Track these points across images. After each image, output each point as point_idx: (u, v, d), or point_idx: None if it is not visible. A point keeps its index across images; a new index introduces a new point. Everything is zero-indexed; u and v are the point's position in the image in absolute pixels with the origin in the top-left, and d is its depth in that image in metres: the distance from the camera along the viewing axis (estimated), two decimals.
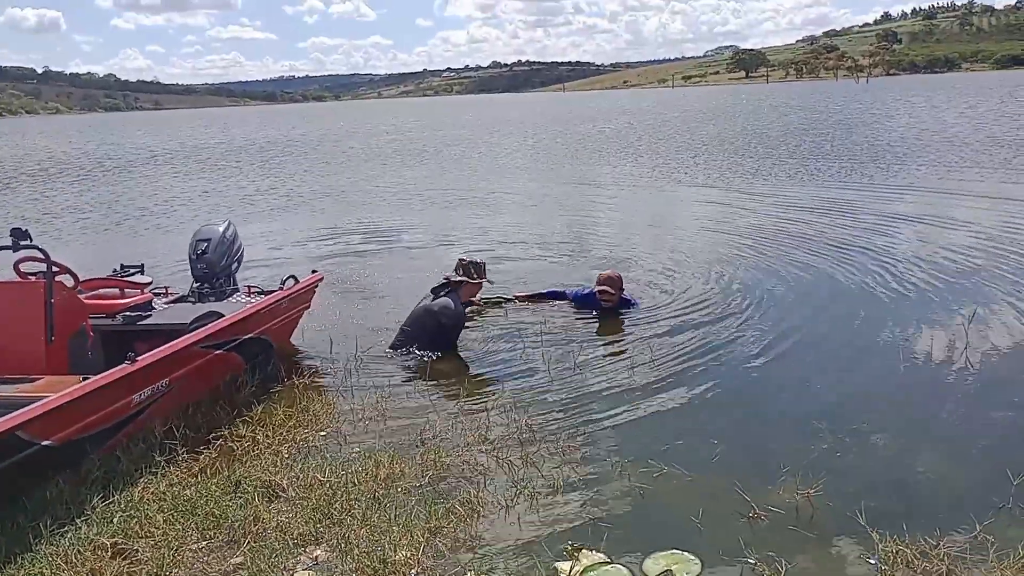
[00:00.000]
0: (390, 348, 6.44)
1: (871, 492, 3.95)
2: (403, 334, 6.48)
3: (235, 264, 6.61)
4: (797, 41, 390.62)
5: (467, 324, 6.70)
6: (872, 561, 3.36)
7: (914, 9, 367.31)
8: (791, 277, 8.48)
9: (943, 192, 14.17)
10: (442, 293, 6.53)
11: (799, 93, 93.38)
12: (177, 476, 4.24)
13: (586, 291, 7.48)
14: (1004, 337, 6.26)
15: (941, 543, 3.43)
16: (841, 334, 6.51)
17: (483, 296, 7.51)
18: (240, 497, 3.98)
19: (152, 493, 4.05)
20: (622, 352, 6.27)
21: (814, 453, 4.42)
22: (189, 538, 3.65)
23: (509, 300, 7.77)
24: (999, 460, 4.21)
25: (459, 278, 6.62)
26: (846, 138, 26.19)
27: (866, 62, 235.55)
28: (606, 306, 7.21)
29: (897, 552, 3.36)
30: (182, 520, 3.77)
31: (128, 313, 5.64)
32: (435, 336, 6.35)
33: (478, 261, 6.87)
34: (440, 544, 3.57)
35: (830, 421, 4.81)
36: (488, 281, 6.99)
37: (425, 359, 6.18)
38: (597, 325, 7.05)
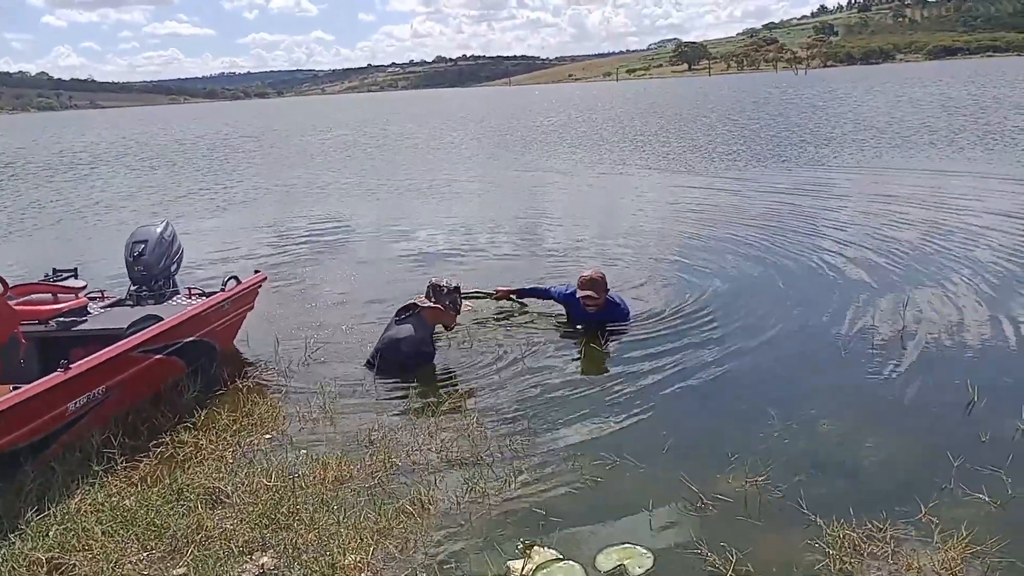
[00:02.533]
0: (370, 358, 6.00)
1: (818, 478, 4.01)
2: (382, 362, 5.91)
3: (174, 266, 6.41)
4: (737, 34, 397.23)
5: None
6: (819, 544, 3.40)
7: (849, 1, 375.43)
8: (732, 265, 8.59)
9: (876, 173, 14.57)
10: (403, 316, 6.06)
11: (741, 85, 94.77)
12: (116, 486, 4.10)
13: (570, 290, 6.79)
14: (940, 317, 6.42)
15: (887, 526, 3.49)
16: (786, 322, 6.57)
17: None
18: (183, 505, 3.87)
19: (90, 504, 3.91)
20: (572, 347, 6.24)
21: (762, 441, 4.46)
22: (129, 549, 3.53)
23: (489, 295, 7.32)
24: (940, 441, 4.31)
25: (425, 304, 6.09)
26: (784, 126, 26.63)
27: (804, 54, 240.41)
28: (592, 311, 6.54)
29: (844, 536, 3.40)
30: (122, 531, 3.65)
31: (62, 319, 5.44)
32: (401, 365, 5.81)
33: (442, 285, 6.19)
34: (390, 545, 3.51)
35: (778, 409, 4.85)
36: (466, 308, 6.46)
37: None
38: (549, 320, 6.91)
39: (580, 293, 6.54)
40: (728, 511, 3.74)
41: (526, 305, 7.28)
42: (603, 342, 6.18)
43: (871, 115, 30.60)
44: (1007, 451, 4.16)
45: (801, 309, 6.86)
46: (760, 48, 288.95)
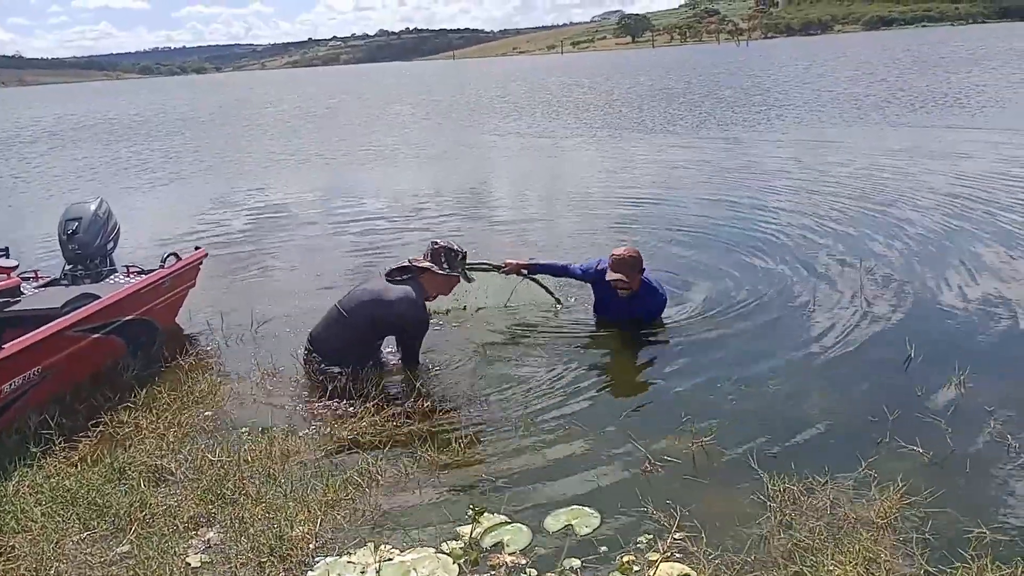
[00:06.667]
0: (309, 343, 5.16)
1: (764, 436, 4.08)
2: (335, 323, 5.07)
3: (111, 243, 6.25)
4: (680, 6, 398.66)
5: None
6: (760, 499, 3.48)
7: None
8: (683, 231, 8.67)
9: (813, 143, 14.87)
10: (400, 278, 5.09)
11: (688, 57, 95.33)
12: (55, 467, 4.00)
13: (602, 264, 5.83)
14: (879, 279, 6.58)
15: (827, 479, 3.58)
16: (735, 288, 6.60)
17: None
18: (125, 484, 3.80)
19: (28, 486, 3.81)
20: (523, 320, 6.15)
21: (712, 404, 4.53)
22: (71, 530, 3.45)
23: (496, 267, 6.17)
24: (879, 397, 4.43)
25: (425, 264, 5.14)
26: (723, 96, 26.92)
27: (745, 25, 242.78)
28: (624, 295, 5.73)
29: (784, 490, 3.48)
30: (62, 512, 3.57)
31: None
32: (377, 333, 5.13)
33: (455, 248, 5.22)
34: (339, 516, 3.50)
35: (729, 372, 4.94)
36: (466, 278, 5.38)
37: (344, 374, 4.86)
38: (503, 286, 6.34)
39: (610, 276, 5.63)
40: (675, 471, 3.80)
41: (539, 282, 6.31)
42: (555, 314, 6.17)
43: (809, 85, 31.07)
44: (941, 404, 4.32)
45: (748, 276, 6.92)
46: (702, 20, 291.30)
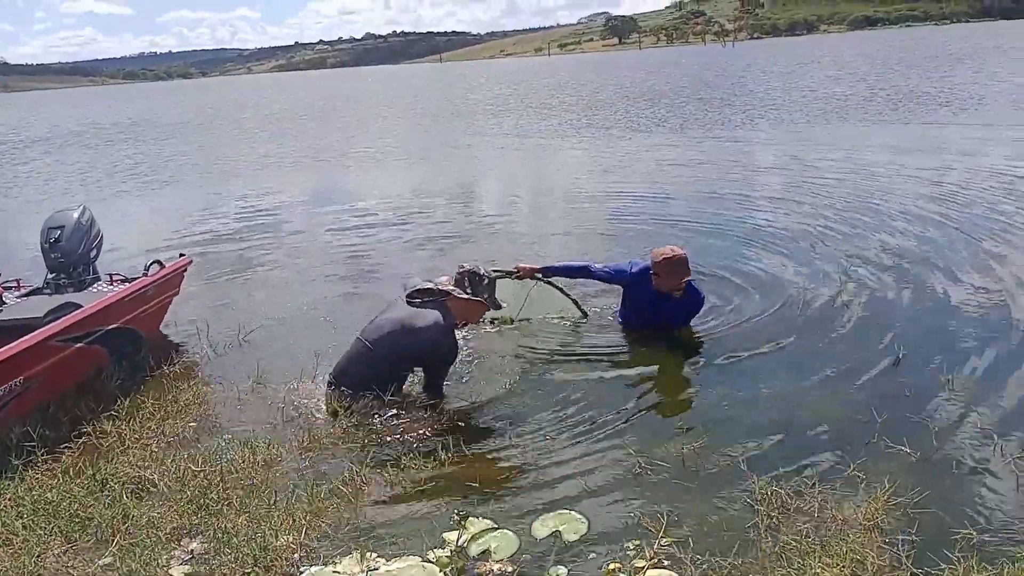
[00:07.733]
0: (333, 379, 4.75)
1: (755, 440, 4.07)
2: (360, 357, 4.66)
3: (94, 251, 6.19)
4: (666, 7, 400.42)
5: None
6: (749, 502, 3.47)
7: None
8: (672, 235, 8.60)
9: (798, 142, 14.93)
10: (422, 300, 4.73)
11: (675, 58, 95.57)
12: (37, 479, 3.95)
13: (636, 267, 5.57)
14: (867, 281, 6.58)
15: (815, 482, 3.57)
16: (724, 293, 6.52)
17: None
18: (107, 496, 3.74)
19: (9, 499, 3.76)
20: (528, 323, 6.01)
21: (703, 408, 4.54)
22: (53, 543, 3.40)
23: (509, 273, 5.80)
24: (868, 398, 4.44)
25: (448, 287, 4.79)
26: (708, 97, 27.00)
27: (731, 26, 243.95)
28: (678, 296, 5.45)
29: (772, 493, 3.47)
30: (44, 524, 3.52)
31: None
32: (405, 364, 4.72)
33: (482, 274, 4.89)
34: (324, 525, 3.46)
35: (718, 375, 4.96)
36: (493, 305, 4.98)
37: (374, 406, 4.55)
38: (516, 292, 5.96)
39: (673, 280, 5.31)
40: (665, 475, 3.78)
41: (561, 288, 6.00)
42: (537, 320, 6.08)
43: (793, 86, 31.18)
44: (928, 404, 4.32)
45: (735, 279, 6.90)
46: (689, 21, 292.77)
